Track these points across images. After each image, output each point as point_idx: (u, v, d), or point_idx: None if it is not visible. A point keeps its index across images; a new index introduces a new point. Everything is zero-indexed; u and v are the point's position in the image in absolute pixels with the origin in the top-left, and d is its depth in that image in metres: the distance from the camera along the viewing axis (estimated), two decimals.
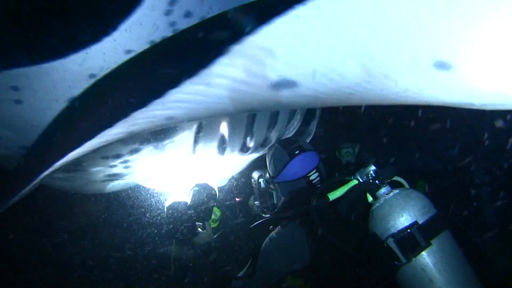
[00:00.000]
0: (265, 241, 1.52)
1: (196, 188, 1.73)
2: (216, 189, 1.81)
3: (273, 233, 1.51)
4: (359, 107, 4.11)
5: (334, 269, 1.31)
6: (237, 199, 1.89)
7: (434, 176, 3.69)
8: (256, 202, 1.86)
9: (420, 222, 1.12)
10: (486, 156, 3.94)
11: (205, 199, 1.70)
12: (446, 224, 1.16)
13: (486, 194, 3.68)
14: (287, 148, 1.66)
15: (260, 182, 1.82)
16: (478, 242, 3.29)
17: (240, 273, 1.52)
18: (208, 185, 1.76)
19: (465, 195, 3.77)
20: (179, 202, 1.68)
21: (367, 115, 4.65)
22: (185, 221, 1.65)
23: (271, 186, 1.76)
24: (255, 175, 1.88)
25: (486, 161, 3.91)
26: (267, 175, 1.78)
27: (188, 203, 1.70)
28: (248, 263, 1.52)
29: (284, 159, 1.64)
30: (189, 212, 1.65)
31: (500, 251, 3.22)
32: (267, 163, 1.76)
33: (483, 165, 3.88)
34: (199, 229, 1.74)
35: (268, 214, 1.79)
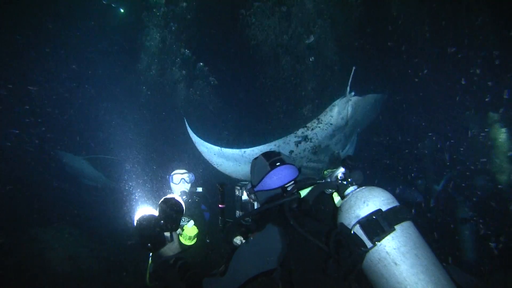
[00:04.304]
0: (242, 243, 1.53)
1: (164, 202, 1.84)
2: (183, 203, 1.88)
3: (251, 237, 1.51)
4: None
5: (306, 264, 1.29)
6: (220, 206, 1.94)
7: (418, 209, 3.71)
8: (237, 211, 1.88)
9: (383, 210, 1.17)
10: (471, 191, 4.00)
11: (173, 212, 1.79)
12: (410, 216, 1.21)
13: (469, 230, 3.67)
14: (269, 160, 1.73)
15: (242, 192, 1.87)
16: (459, 279, 3.22)
17: (214, 271, 1.48)
18: (174, 199, 1.86)
19: (447, 230, 3.76)
20: (148, 215, 1.76)
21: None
22: (153, 231, 1.71)
23: (252, 195, 1.80)
24: (239, 185, 1.92)
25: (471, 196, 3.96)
26: (249, 184, 1.82)
27: (156, 216, 1.78)
28: (224, 262, 1.50)
29: (265, 168, 1.70)
30: (157, 223, 1.73)
31: None
32: (250, 172, 1.81)
33: (468, 200, 3.92)
34: (168, 241, 1.80)
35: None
